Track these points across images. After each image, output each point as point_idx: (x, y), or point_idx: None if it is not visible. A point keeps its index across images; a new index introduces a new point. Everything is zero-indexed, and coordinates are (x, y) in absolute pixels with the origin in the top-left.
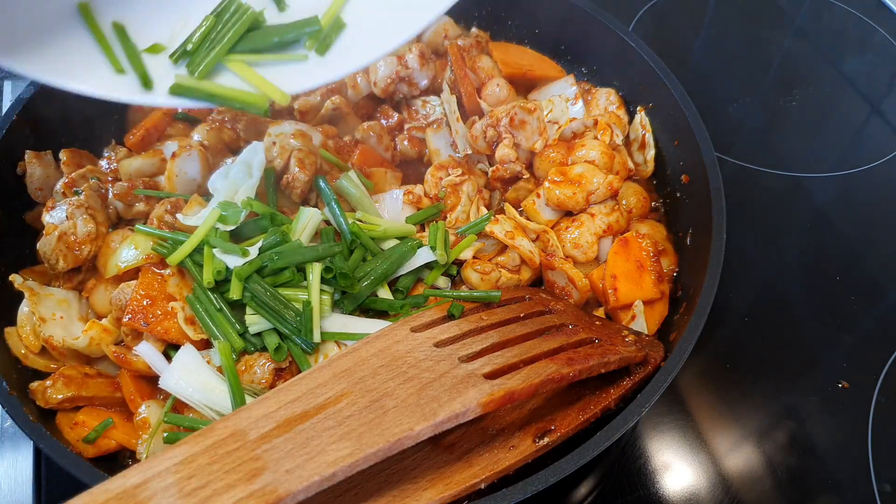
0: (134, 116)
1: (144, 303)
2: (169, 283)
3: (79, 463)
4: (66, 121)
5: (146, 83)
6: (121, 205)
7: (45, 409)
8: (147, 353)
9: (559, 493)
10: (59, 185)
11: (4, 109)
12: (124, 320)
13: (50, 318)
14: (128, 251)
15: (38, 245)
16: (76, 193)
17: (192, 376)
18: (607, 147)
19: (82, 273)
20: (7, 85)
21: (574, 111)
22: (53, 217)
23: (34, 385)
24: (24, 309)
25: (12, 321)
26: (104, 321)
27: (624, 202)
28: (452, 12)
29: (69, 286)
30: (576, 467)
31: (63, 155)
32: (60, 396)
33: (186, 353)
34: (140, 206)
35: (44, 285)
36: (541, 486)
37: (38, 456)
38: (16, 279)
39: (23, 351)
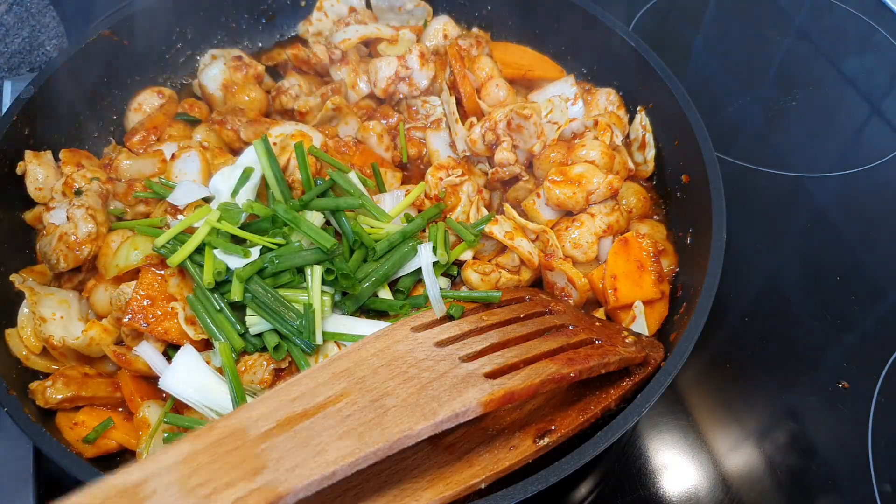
0: (134, 116)
1: (144, 303)
2: (169, 283)
3: (78, 463)
4: (66, 121)
5: None
6: (121, 205)
7: (45, 409)
8: (147, 353)
9: (559, 493)
10: (58, 185)
11: (4, 109)
12: (124, 320)
13: (50, 317)
14: (128, 252)
15: (38, 245)
16: (77, 194)
17: (192, 377)
18: (607, 147)
19: (82, 273)
20: (7, 85)
21: (574, 111)
22: (53, 217)
23: (34, 385)
24: (24, 310)
25: (13, 322)
26: (104, 321)
27: (624, 202)
28: (452, 12)
29: (69, 286)
30: (576, 467)
31: (62, 155)
32: (60, 396)
33: (186, 354)
34: (141, 208)
35: (44, 285)
36: (541, 486)
37: (38, 456)
38: (16, 279)
39: (24, 352)
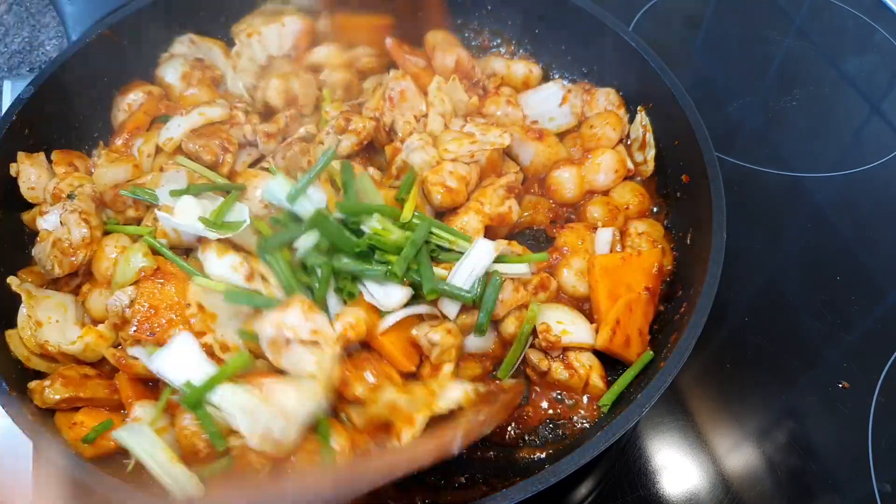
0: (120, 117)
1: (146, 310)
2: (165, 289)
3: (78, 463)
4: (66, 121)
5: None
6: (111, 212)
7: (44, 409)
8: (145, 356)
9: (559, 493)
10: (50, 186)
11: (4, 109)
12: (131, 332)
13: (46, 321)
14: (123, 267)
15: (33, 251)
16: (69, 197)
17: (184, 363)
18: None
19: (79, 277)
20: (7, 85)
21: (559, 112)
22: (47, 222)
23: (33, 384)
24: (23, 311)
25: (13, 323)
26: (100, 326)
27: (623, 201)
28: (453, 12)
29: (66, 289)
30: (576, 467)
31: (54, 156)
32: (58, 397)
33: (184, 338)
34: (130, 213)
35: (41, 287)
36: (541, 486)
37: (38, 456)
38: (13, 281)
39: (25, 353)
